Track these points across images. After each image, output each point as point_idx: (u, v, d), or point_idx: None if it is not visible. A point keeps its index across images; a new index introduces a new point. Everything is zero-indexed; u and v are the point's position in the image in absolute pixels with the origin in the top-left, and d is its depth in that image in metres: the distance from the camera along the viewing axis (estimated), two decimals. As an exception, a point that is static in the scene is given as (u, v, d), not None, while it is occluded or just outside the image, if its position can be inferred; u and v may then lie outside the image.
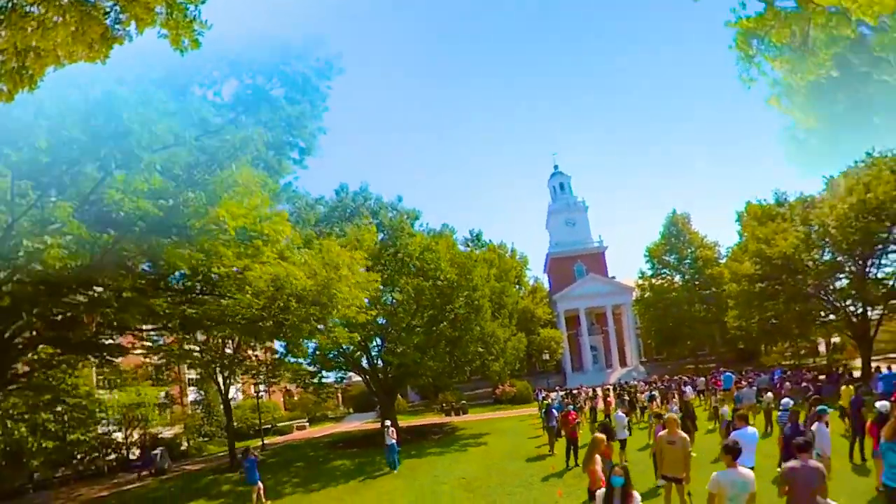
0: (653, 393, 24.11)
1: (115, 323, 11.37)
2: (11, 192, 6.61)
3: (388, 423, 18.13)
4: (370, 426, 31.85)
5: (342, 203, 26.39)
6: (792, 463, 5.91)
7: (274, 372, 26.37)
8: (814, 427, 9.29)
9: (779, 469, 7.93)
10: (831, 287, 29.68)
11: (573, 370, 54.18)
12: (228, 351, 23.49)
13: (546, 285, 59.87)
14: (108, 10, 3.72)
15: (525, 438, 21.28)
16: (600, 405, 23.97)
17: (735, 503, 5.57)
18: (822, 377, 26.05)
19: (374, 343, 25.32)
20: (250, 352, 27.36)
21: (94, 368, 21.84)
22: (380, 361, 26.00)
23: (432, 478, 15.07)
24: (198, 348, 21.98)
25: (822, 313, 31.59)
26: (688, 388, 24.91)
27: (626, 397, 22.81)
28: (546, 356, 43.72)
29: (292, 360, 25.50)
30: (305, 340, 18.93)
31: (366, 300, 17.20)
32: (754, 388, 20.23)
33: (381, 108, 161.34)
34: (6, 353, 10.25)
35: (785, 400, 12.71)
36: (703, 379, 31.25)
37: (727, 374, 29.72)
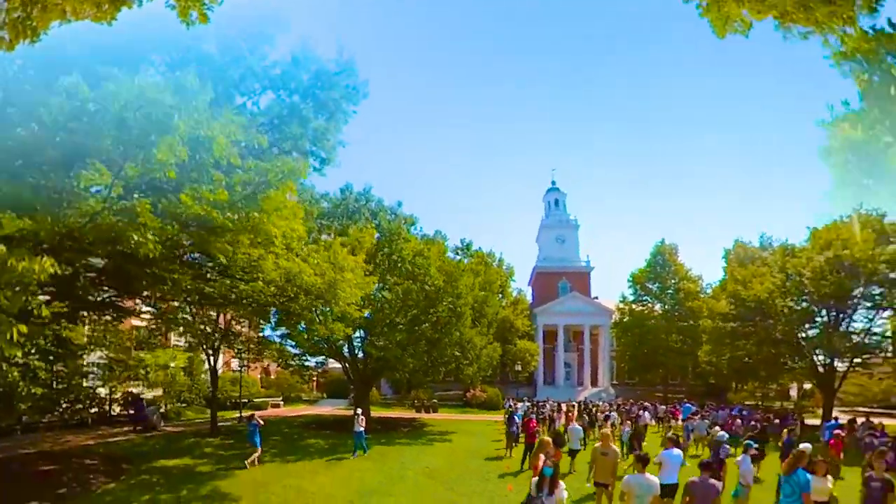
0: (610, 413, 25.71)
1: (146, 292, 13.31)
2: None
3: (359, 411, 19.10)
4: (342, 412, 33.14)
5: (345, 201, 27.65)
6: (693, 478, 7.41)
7: (260, 350, 27.54)
8: (739, 458, 10.82)
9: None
10: (802, 335, 30.05)
11: (545, 383, 55.39)
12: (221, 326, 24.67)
13: (529, 297, 61.21)
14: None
15: (488, 441, 22.69)
16: (562, 420, 25.37)
17: (641, 501, 7.05)
18: (776, 420, 27.27)
19: (358, 334, 26.55)
20: (239, 327, 28.64)
21: (85, 327, 22.87)
22: (361, 352, 27.30)
23: (399, 464, 16.41)
24: (191, 318, 23.06)
25: (792, 359, 31.73)
26: (645, 413, 26.43)
27: (587, 417, 24.25)
28: (519, 367, 44.92)
29: (278, 340, 26.65)
30: (303, 326, 20.23)
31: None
32: (706, 421, 21.75)
33: (380, 108, 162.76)
34: (73, 284, 11.37)
35: (721, 433, 14.45)
36: (664, 407, 32.99)
37: (687, 405, 31.47)
